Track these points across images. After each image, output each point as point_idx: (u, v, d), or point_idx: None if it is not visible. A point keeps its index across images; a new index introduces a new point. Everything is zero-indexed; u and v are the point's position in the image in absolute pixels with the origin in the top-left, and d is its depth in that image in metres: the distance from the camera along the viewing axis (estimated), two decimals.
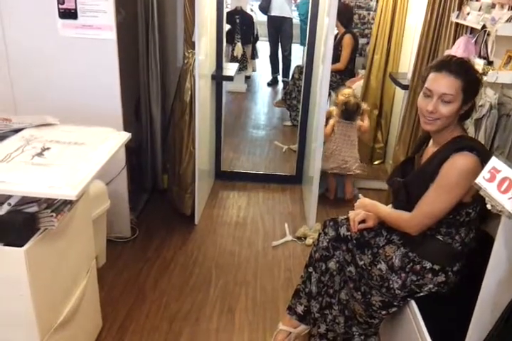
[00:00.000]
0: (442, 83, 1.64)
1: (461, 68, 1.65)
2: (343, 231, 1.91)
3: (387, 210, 1.89)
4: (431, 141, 1.86)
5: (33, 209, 1.49)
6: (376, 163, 4.15)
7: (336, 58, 4.28)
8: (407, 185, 1.82)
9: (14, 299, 1.51)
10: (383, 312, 1.84)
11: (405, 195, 1.81)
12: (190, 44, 2.77)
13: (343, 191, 3.61)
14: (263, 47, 7.20)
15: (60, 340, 1.72)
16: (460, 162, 1.63)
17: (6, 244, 1.45)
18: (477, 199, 1.64)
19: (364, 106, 3.51)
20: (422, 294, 1.80)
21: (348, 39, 4.40)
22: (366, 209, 1.93)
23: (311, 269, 2.00)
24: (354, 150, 3.48)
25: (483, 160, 1.59)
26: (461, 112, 1.70)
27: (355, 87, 4.03)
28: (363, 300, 1.84)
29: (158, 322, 2.27)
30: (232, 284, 2.58)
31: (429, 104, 1.66)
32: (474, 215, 1.73)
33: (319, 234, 1.99)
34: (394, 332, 2.01)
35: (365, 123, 3.48)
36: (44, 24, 2.38)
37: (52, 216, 1.49)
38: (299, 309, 2.04)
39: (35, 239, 1.48)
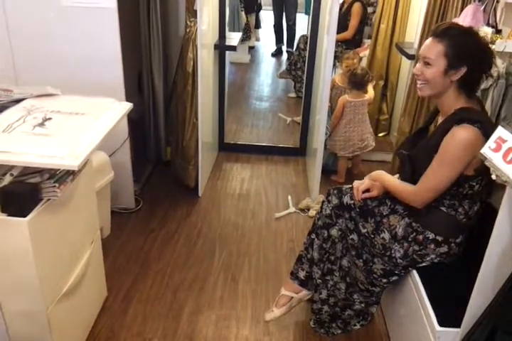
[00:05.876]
0: (425, 46, 1.70)
1: (445, 33, 1.65)
2: (346, 199, 1.91)
3: (393, 180, 1.88)
4: None
5: (35, 179, 1.49)
6: (381, 134, 4.11)
7: (344, 27, 4.20)
8: (412, 157, 1.80)
9: (19, 269, 1.52)
10: (384, 281, 1.86)
11: (410, 167, 1.81)
12: (192, 12, 2.71)
13: (350, 163, 3.58)
14: (267, 16, 7.05)
15: (66, 309, 1.75)
16: (459, 134, 1.61)
17: (10, 215, 1.46)
18: (481, 172, 1.63)
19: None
20: (424, 264, 1.81)
21: (357, 7, 4.29)
22: (372, 178, 1.93)
23: (313, 236, 2.01)
24: (367, 126, 3.39)
25: (486, 133, 1.55)
26: (453, 79, 1.66)
27: (362, 55, 3.94)
28: (364, 267, 1.86)
29: (162, 292, 2.30)
30: (235, 255, 2.60)
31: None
32: (478, 188, 1.72)
33: (323, 201, 1.99)
34: (396, 302, 2.03)
35: (369, 93, 3.41)
36: None
37: (55, 186, 1.49)
38: (301, 274, 2.07)
39: (38, 209, 1.49)
